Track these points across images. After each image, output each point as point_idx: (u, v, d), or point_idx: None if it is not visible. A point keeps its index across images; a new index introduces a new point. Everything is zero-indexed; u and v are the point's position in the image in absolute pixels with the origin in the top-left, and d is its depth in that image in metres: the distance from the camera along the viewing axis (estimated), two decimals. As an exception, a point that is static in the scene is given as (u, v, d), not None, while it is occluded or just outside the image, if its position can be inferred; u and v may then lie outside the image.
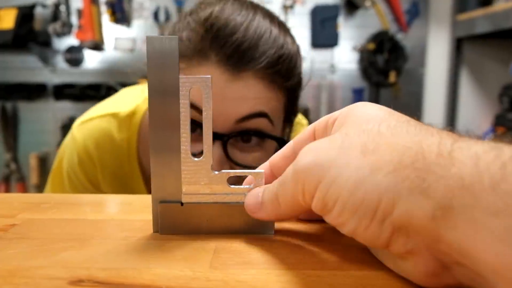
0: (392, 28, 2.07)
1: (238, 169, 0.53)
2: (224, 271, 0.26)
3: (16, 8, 1.87)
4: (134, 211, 0.38)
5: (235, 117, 0.50)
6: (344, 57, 2.07)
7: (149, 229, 0.33)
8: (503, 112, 1.70)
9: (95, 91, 1.99)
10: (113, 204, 0.40)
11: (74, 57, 1.98)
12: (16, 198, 0.42)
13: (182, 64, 0.53)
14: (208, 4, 0.56)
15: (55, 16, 1.90)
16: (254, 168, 0.53)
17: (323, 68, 2.06)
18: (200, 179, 0.31)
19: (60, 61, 2.03)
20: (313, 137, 0.31)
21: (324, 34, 2.03)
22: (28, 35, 1.87)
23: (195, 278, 0.25)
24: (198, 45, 0.52)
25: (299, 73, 0.59)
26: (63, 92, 2.00)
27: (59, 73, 2.01)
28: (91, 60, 2.05)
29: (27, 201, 0.41)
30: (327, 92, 2.07)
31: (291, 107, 0.59)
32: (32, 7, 1.88)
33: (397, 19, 2.07)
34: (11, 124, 2.07)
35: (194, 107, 0.49)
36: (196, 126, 0.50)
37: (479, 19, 1.81)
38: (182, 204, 0.32)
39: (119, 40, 2.04)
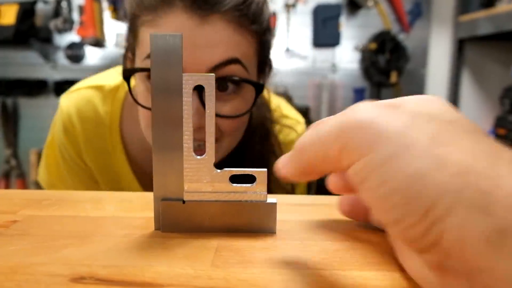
0: (394, 28, 2.06)
1: (216, 120, 0.52)
2: (226, 270, 0.26)
3: (17, 3, 1.87)
4: (135, 208, 0.38)
5: (208, 65, 0.49)
6: (346, 56, 2.07)
7: (150, 226, 0.33)
8: (504, 114, 1.70)
9: (95, 88, 1.98)
10: (114, 201, 0.40)
11: (75, 53, 1.98)
12: (17, 194, 0.42)
13: (149, 16, 0.52)
14: None
15: (56, 12, 1.90)
16: (233, 118, 0.53)
17: (324, 68, 2.06)
18: (202, 177, 0.31)
19: (61, 58, 2.03)
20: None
21: (326, 33, 2.03)
22: (29, 31, 1.87)
23: (196, 277, 0.25)
24: None
25: (268, 20, 0.57)
26: (64, 88, 1.99)
27: (60, 69, 2.01)
28: (92, 56, 2.05)
29: (28, 198, 0.40)
30: (328, 92, 2.07)
31: (263, 55, 0.58)
32: (33, 3, 1.88)
33: (399, 19, 2.07)
34: (12, 120, 2.07)
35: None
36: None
37: (482, 21, 1.81)
38: (184, 202, 0.32)
39: (121, 37, 2.03)
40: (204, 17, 0.51)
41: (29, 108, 2.05)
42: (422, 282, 0.22)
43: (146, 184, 0.67)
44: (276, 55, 2.05)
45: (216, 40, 0.50)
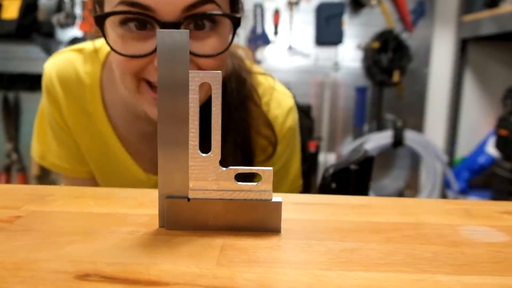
0: (397, 27, 2.05)
1: (195, 59, 0.51)
2: (231, 269, 0.26)
3: (20, -3, 1.87)
4: (139, 205, 0.37)
5: (182, 5, 0.48)
6: (348, 55, 2.06)
7: (154, 224, 0.33)
8: (507, 114, 1.70)
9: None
10: (118, 198, 0.39)
11: (77, 48, 1.97)
12: (20, 189, 0.42)
13: None
14: None
15: (59, 7, 1.89)
16: (215, 56, 0.52)
17: (326, 66, 2.05)
18: (207, 175, 0.31)
19: (63, 52, 2.02)
20: None
21: (328, 31, 2.02)
22: (32, 26, 1.86)
23: (202, 275, 0.25)
24: None
25: None
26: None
27: (62, 64, 2.00)
28: (95, 52, 2.04)
29: (32, 193, 0.40)
30: (330, 90, 2.06)
31: None
32: (36, -3, 1.88)
33: (402, 18, 2.06)
34: (13, 114, 2.07)
35: (138, 5, 0.47)
36: (144, 22, 0.49)
37: (485, 21, 1.80)
38: (188, 199, 0.31)
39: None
40: None
41: (30, 102, 2.05)
42: None
43: (130, 149, 0.66)
44: (279, 53, 2.04)
45: None
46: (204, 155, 0.31)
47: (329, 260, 0.27)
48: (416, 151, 1.96)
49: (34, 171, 2.11)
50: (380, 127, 2.05)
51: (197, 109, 0.30)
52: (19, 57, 2.00)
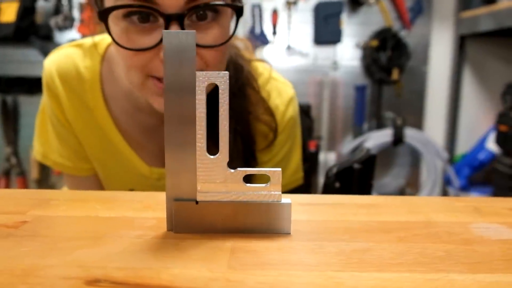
0: (396, 25, 2.05)
1: (200, 52, 0.50)
2: (244, 272, 0.25)
3: (18, 1, 1.86)
4: (145, 208, 0.37)
5: None
6: (347, 54, 2.06)
7: (162, 227, 0.32)
8: (506, 110, 1.70)
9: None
10: (123, 201, 0.39)
11: (75, 51, 1.96)
12: (24, 194, 0.42)
13: None
14: None
15: (57, 10, 1.88)
16: (217, 46, 0.51)
17: (325, 65, 2.05)
18: (215, 177, 0.31)
19: (61, 55, 2.02)
20: None
21: (327, 30, 2.02)
22: (30, 29, 1.85)
23: (214, 279, 0.24)
24: None
25: None
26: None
27: (61, 67, 2.00)
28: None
29: (36, 197, 0.40)
30: (330, 89, 2.06)
31: None
32: (34, 0, 1.87)
33: (400, 16, 2.06)
34: (12, 118, 2.06)
35: None
36: (148, 15, 0.48)
37: (483, 17, 1.80)
38: (197, 202, 0.31)
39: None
40: None
41: (29, 105, 2.04)
42: None
43: (132, 143, 0.66)
44: (278, 52, 2.04)
45: None
46: (212, 157, 0.31)
47: (341, 261, 0.27)
48: (416, 148, 1.96)
49: (33, 174, 2.10)
50: (380, 125, 2.04)
51: (204, 111, 0.30)
52: (17, 60, 2.00)
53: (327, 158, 2.02)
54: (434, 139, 1.99)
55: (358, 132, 2.04)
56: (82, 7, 1.90)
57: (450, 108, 2.07)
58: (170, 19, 0.48)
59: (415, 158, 2.08)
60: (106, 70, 0.64)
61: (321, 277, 0.25)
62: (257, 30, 2.01)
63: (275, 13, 2.03)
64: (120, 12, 0.49)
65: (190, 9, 0.48)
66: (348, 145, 2.02)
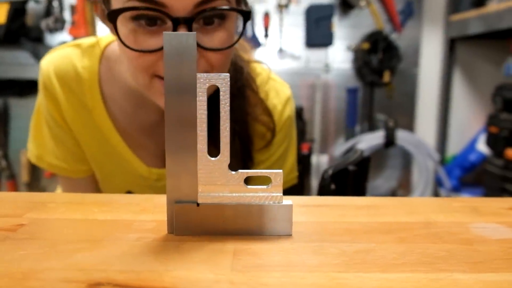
0: (386, 28, 2.07)
1: (205, 54, 0.51)
2: (247, 274, 0.25)
3: (8, 2, 1.84)
4: (143, 211, 0.37)
5: (194, 1, 0.48)
6: (339, 56, 2.07)
7: (162, 229, 0.32)
8: (496, 112, 1.72)
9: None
10: (121, 204, 0.39)
11: (66, 53, 1.95)
12: (20, 197, 0.41)
13: None
14: None
15: (47, 12, 1.87)
16: (224, 49, 0.52)
17: (317, 68, 2.06)
18: (216, 179, 0.31)
19: (52, 58, 2.00)
20: None
21: (318, 33, 2.02)
22: (20, 31, 1.83)
23: (217, 281, 0.24)
24: None
25: None
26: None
27: (51, 69, 1.98)
28: (84, 56, 2.02)
29: (32, 200, 0.39)
30: (321, 92, 2.06)
31: None
32: (24, 2, 1.85)
33: (391, 19, 2.08)
34: (2, 120, 2.04)
35: (151, 1, 0.47)
36: (156, 18, 0.49)
37: (472, 20, 1.82)
38: (198, 204, 0.31)
39: (113, 36, 2.01)
40: None
41: (20, 108, 2.02)
42: None
43: (131, 143, 0.65)
44: (269, 55, 2.04)
45: None
46: (213, 159, 0.30)
47: (344, 262, 0.27)
48: (408, 150, 1.97)
49: (24, 178, 2.08)
50: (372, 127, 2.05)
51: (205, 113, 0.30)
52: (7, 62, 1.97)
53: (320, 161, 2.02)
54: (425, 141, 2.00)
55: (350, 134, 2.05)
56: (73, 9, 1.89)
57: (441, 109, 2.09)
58: (178, 23, 0.48)
59: (407, 159, 2.10)
60: (105, 70, 0.64)
61: (324, 278, 0.24)
62: (249, 33, 2.01)
63: (266, 16, 2.03)
64: (128, 13, 0.49)
65: (198, 13, 0.49)
66: (340, 147, 2.03)
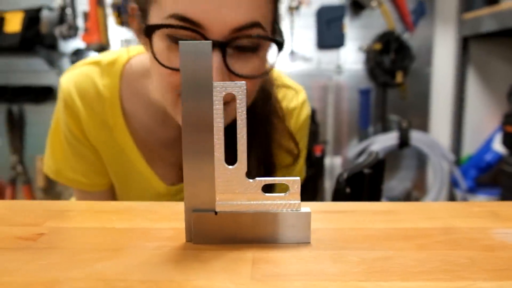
0: (398, 28, 2.05)
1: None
2: (267, 283, 0.25)
3: (23, 11, 1.87)
4: (160, 219, 0.37)
5: (231, 26, 0.49)
6: (350, 57, 2.06)
7: (180, 238, 0.32)
8: (512, 111, 1.69)
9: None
10: (139, 212, 0.39)
11: (80, 59, 1.97)
12: (39, 205, 0.42)
13: None
14: None
15: (61, 19, 1.89)
16: (257, 78, 0.52)
17: (329, 69, 2.05)
18: (234, 187, 0.31)
19: (66, 64, 2.02)
20: None
21: (330, 35, 2.02)
22: (35, 38, 1.86)
23: (238, 291, 0.24)
24: None
25: None
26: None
27: (65, 75, 2.00)
28: (97, 62, 2.04)
29: (51, 209, 0.40)
30: (334, 93, 2.06)
31: (276, 15, 0.57)
32: (38, 10, 1.88)
33: (403, 19, 2.06)
34: (18, 126, 2.07)
35: (189, 21, 0.47)
36: (191, 39, 0.48)
37: (485, 18, 1.79)
38: (216, 213, 0.31)
39: (125, 43, 2.03)
40: None
41: (34, 114, 2.05)
42: None
43: (151, 159, 0.66)
44: (281, 58, 2.04)
45: (242, 1, 0.49)
46: (230, 167, 0.30)
47: (364, 270, 0.27)
48: (422, 151, 1.95)
49: (39, 183, 2.11)
50: (385, 128, 2.04)
51: (222, 121, 0.30)
52: (23, 69, 2.01)
53: (333, 163, 2.01)
54: (440, 141, 1.98)
55: (363, 135, 2.04)
56: (86, 16, 1.91)
57: (455, 109, 2.07)
58: (214, 46, 0.48)
59: (421, 160, 2.07)
60: (125, 86, 0.64)
61: (345, 287, 0.24)
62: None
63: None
64: (166, 31, 0.50)
65: (233, 39, 0.49)
66: (353, 149, 2.02)
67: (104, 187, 0.69)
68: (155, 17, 0.50)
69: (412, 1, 2.06)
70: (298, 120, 0.69)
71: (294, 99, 0.69)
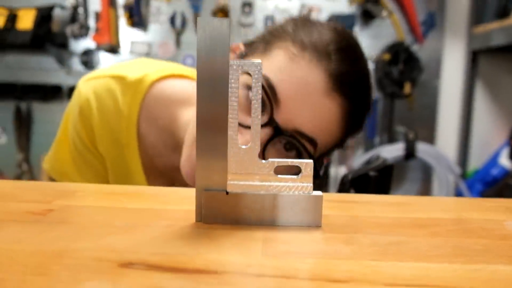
0: (408, 39, 2.06)
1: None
2: (279, 260, 0.25)
3: (35, 8, 1.89)
4: (171, 201, 0.37)
5: (300, 127, 0.52)
6: (359, 67, 2.07)
7: (191, 218, 0.32)
8: (520, 125, 1.69)
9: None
10: (149, 195, 0.39)
11: (90, 59, 1.99)
12: (48, 186, 0.42)
13: (294, 48, 0.54)
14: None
15: (73, 18, 1.91)
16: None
17: (337, 78, 2.06)
18: (246, 167, 0.30)
19: (76, 63, 2.04)
20: None
21: (339, 43, 2.03)
22: (46, 36, 1.88)
23: (249, 265, 0.24)
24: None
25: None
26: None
27: (75, 75, 2.03)
28: (107, 63, 2.06)
29: (61, 189, 0.40)
30: (341, 102, 2.06)
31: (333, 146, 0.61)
32: (50, 8, 1.90)
33: (413, 30, 2.07)
34: (25, 124, 2.08)
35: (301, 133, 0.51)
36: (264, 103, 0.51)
37: (495, 32, 1.80)
38: (227, 193, 0.31)
39: (135, 44, 2.05)
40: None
41: (43, 113, 2.06)
42: None
43: (151, 178, 0.66)
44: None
45: (324, 115, 0.53)
46: (243, 147, 0.30)
47: (377, 251, 0.26)
48: (428, 163, 1.94)
49: (44, 181, 2.11)
50: (391, 139, 2.04)
51: (236, 100, 0.30)
52: (32, 67, 2.02)
53: (338, 172, 2.01)
54: (446, 154, 1.97)
55: (369, 145, 2.04)
56: (97, 16, 1.93)
57: (462, 122, 2.06)
58: (262, 126, 0.50)
59: (427, 173, 2.07)
60: (146, 107, 0.64)
61: (358, 265, 0.24)
62: (270, 42, 2.02)
63: (287, 25, 2.04)
64: (247, 80, 0.52)
65: (276, 135, 0.52)
66: (359, 159, 2.01)
67: None
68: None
69: (423, 12, 2.07)
70: None
71: None
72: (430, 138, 2.07)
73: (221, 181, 0.31)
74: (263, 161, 0.31)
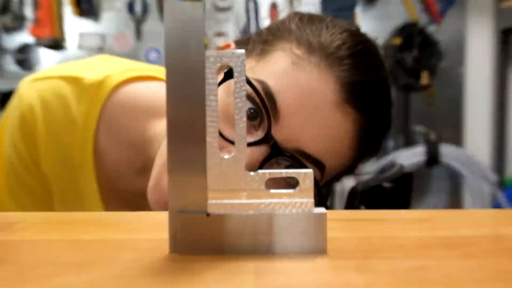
0: (422, 19, 2.09)
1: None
2: (276, 295, 0.25)
3: (-45, -3, 1.88)
4: (137, 229, 0.37)
5: (303, 147, 0.52)
6: (364, 55, 2.09)
7: (163, 249, 0.32)
8: None
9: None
10: (108, 223, 0.39)
11: (27, 57, 1.98)
12: (-20, 218, 0.41)
13: (298, 51, 0.54)
14: None
15: (4, 7, 1.91)
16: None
17: (338, 69, 2.08)
18: (231, 182, 0.30)
19: (9, 63, 2.03)
20: None
21: (338, 27, 2.05)
22: (-29, 31, 1.87)
23: (239, 304, 0.24)
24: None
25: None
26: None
27: (8, 77, 2.01)
28: (49, 61, 2.05)
29: (-4, 222, 0.39)
30: (344, 99, 2.08)
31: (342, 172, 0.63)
32: (-25, -3, 1.89)
33: (428, 8, 2.10)
34: None
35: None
36: (257, 115, 0.52)
37: (530, 7, 1.84)
38: (208, 214, 0.31)
39: (85, 37, 2.04)
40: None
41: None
42: None
43: (110, 205, 0.65)
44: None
45: (334, 133, 0.54)
46: (226, 156, 0.30)
47: (398, 280, 0.26)
48: (456, 170, 1.96)
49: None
50: (408, 142, 2.06)
51: (216, 98, 0.30)
52: (-46, 70, 2.00)
53: (345, 184, 2.02)
54: (478, 158, 2.00)
55: (382, 150, 2.05)
56: (36, 4, 1.92)
57: (495, 118, 2.09)
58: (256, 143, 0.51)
59: (455, 182, 2.09)
60: (107, 117, 0.63)
61: (376, 298, 0.24)
62: (252, 28, 2.04)
63: (273, 7, 2.06)
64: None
65: (273, 155, 0.52)
66: (370, 166, 2.03)
67: None
68: (255, 72, 0.54)
69: (439, -14, 2.11)
70: None
71: None
72: (456, 139, 2.10)
73: (200, 201, 0.31)
74: (251, 173, 0.31)
